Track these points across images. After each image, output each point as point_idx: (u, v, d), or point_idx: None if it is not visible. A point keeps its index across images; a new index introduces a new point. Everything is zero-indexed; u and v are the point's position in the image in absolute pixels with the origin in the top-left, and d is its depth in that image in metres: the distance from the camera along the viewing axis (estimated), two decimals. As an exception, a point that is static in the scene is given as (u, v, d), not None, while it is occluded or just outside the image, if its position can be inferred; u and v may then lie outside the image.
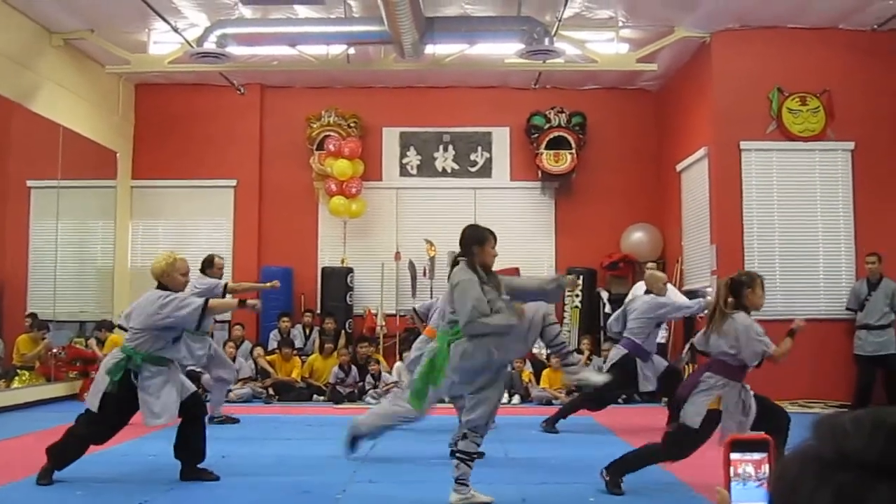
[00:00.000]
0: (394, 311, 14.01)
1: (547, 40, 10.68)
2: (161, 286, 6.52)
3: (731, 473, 1.33)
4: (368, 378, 12.44)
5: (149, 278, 14.61)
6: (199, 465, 6.32)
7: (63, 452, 6.19)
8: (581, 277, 13.70)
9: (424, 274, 13.92)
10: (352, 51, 12.48)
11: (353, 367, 12.41)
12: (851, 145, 11.59)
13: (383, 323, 13.69)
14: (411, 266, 13.99)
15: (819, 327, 10.23)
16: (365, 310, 13.95)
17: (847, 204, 11.57)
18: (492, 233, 5.89)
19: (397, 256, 14.16)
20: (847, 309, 11.21)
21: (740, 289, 5.81)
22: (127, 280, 14.19)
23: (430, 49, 11.70)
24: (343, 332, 13.45)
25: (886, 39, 11.53)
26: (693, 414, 5.62)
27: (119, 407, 6.20)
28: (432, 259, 13.89)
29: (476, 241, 5.75)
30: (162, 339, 6.34)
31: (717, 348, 5.73)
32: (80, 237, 13.87)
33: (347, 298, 13.79)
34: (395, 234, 14.46)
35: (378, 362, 12.65)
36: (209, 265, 9.85)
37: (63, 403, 11.65)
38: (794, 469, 1.01)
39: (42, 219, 12.55)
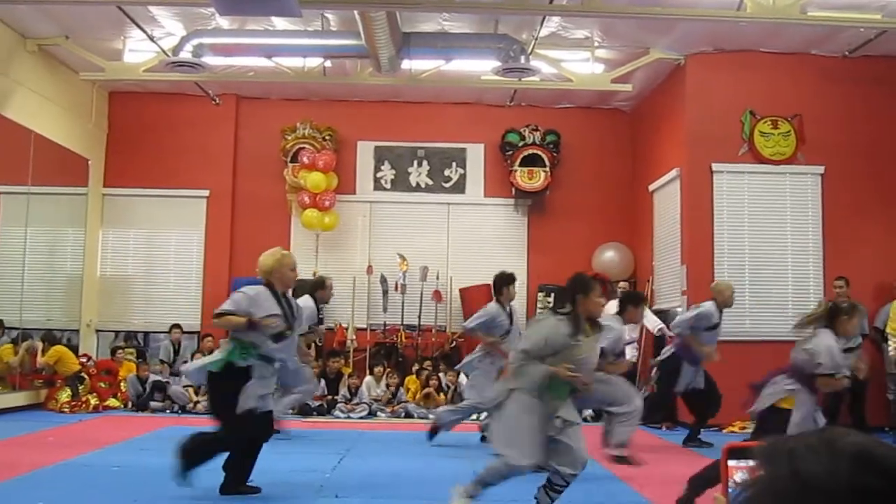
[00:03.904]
0: (364, 326, 13.97)
1: (523, 58, 10.73)
2: (268, 284, 6.30)
3: (729, 480, 1.34)
4: (343, 392, 12.40)
5: (118, 286, 14.59)
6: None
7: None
8: (552, 295, 13.73)
9: (396, 288, 13.90)
10: (328, 64, 12.49)
11: (322, 381, 12.36)
12: (821, 169, 11.72)
13: (353, 337, 13.65)
14: (383, 280, 13.97)
15: (787, 349, 10.29)
16: (335, 323, 13.90)
17: (816, 227, 11.69)
18: (599, 281, 5.59)
19: (369, 270, 14.13)
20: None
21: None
22: (96, 288, 14.08)
23: (406, 64, 11.73)
24: (313, 345, 13.37)
25: (857, 66, 11.68)
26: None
27: None
28: (404, 274, 13.88)
29: (580, 290, 5.42)
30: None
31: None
32: (50, 244, 13.73)
33: (318, 312, 13.70)
34: (367, 248, 14.43)
35: (356, 376, 12.63)
36: (320, 286, 9.58)
37: (27, 412, 11.52)
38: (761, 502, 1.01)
39: (11, 225, 12.43)
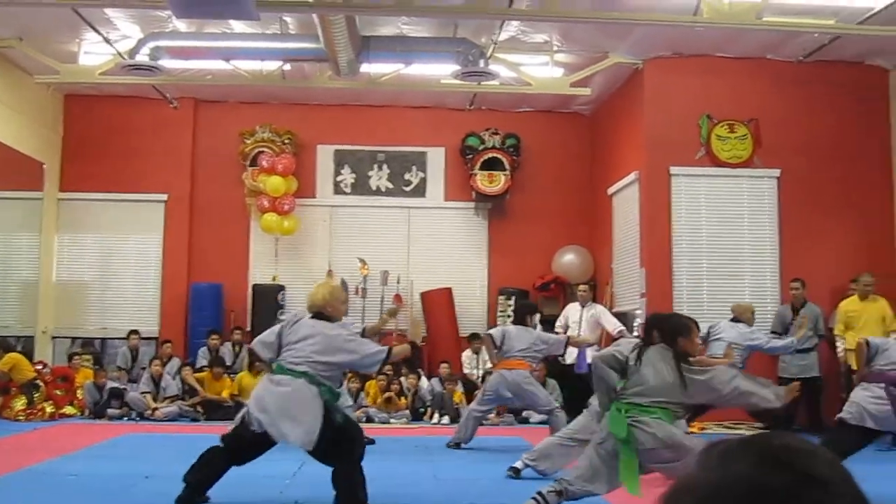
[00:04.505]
0: (325, 330, 13.88)
1: (482, 62, 10.75)
2: (320, 316, 6.14)
3: None
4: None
5: (74, 292, 14.38)
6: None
7: None
8: (513, 298, 13.79)
9: (357, 293, 13.85)
10: (287, 67, 12.42)
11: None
12: (777, 172, 11.87)
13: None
14: (344, 285, 13.89)
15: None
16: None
17: (773, 230, 11.83)
18: (695, 323, 5.64)
19: (330, 275, 14.06)
20: (772, 332, 11.41)
21: None
22: (52, 294, 13.88)
23: (365, 68, 11.70)
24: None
25: (812, 70, 11.84)
26: None
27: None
28: (365, 278, 13.84)
29: (680, 333, 5.43)
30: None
31: None
32: (4, 250, 13.54)
33: (278, 316, 13.63)
34: (327, 252, 14.38)
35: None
36: None
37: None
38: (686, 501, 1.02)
39: (-36, 230, 12.24)
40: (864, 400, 6.62)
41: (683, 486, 1.02)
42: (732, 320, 9.70)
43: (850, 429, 6.57)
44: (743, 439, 1.03)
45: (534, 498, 5.29)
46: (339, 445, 5.84)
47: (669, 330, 5.46)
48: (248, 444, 5.93)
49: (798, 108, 11.89)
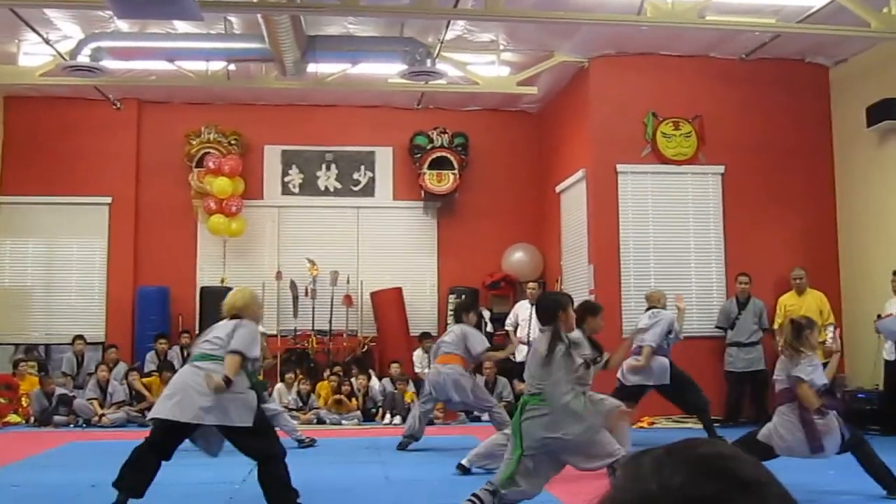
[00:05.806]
0: (275, 332, 13.79)
1: (429, 61, 10.73)
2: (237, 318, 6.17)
3: None
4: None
5: (17, 298, 14.10)
6: None
7: None
8: (463, 297, 13.82)
9: (307, 294, 13.79)
10: (232, 67, 12.31)
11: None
12: (721, 169, 12.03)
13: (264, 344, 13.42)
14: (293, 286, 13.84)
15: (691, 345, 10.54)
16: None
17: (718, 225, 11.98)
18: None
19: (279, 276, 13.97)
20: (717, 327, 11.58)
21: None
22: (-7, 300, 13.63)
23: (312, 67, 11.63)
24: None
25: (754, 68, 12.02)
26: None
27: None
28: (315, 278, 13.77)
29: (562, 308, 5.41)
30: None
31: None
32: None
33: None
34: (276, 253, 14.28)
35: (267, 384, 12.38)
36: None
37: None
38: None
39: None
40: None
41: (614, 498, 1.02)
42: (647, 309, 9.67)
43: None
44: (670, 449, 1.03)
45: (469, 500, 5.30)
46: (262, 434, 5.82)
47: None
48: (169, 434, 5.89)
49: (741, 105, 12.06)
